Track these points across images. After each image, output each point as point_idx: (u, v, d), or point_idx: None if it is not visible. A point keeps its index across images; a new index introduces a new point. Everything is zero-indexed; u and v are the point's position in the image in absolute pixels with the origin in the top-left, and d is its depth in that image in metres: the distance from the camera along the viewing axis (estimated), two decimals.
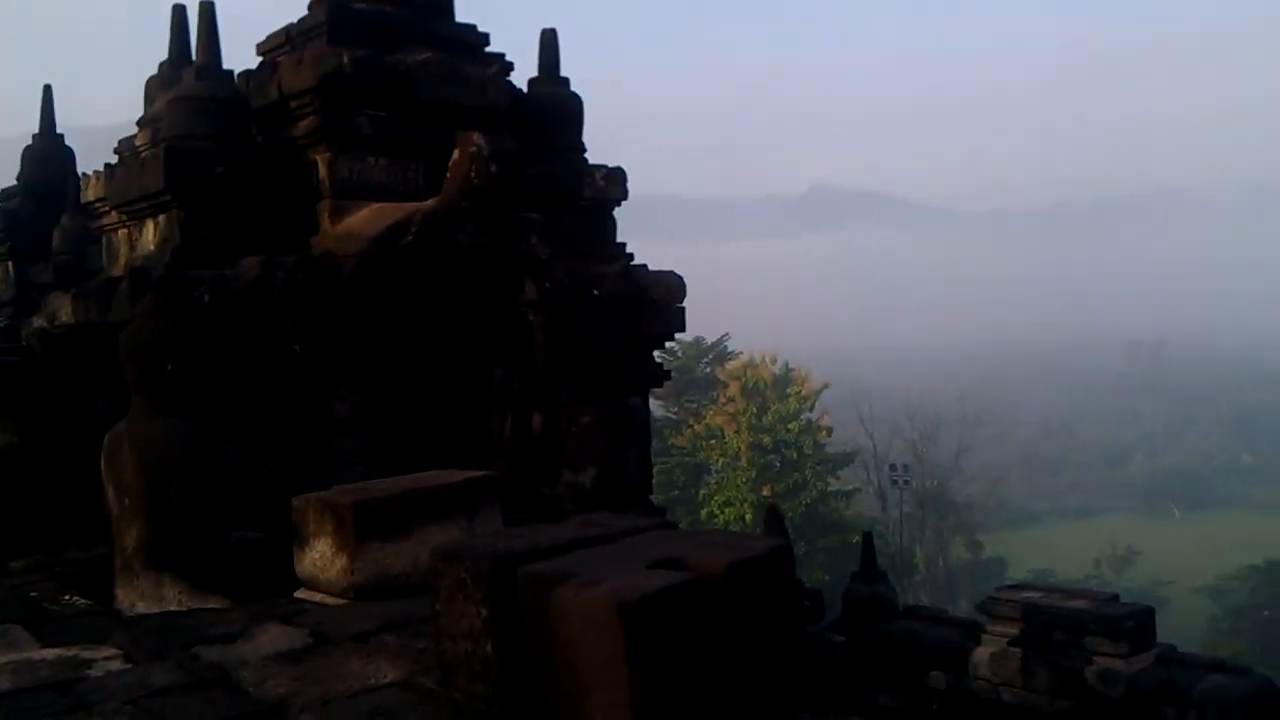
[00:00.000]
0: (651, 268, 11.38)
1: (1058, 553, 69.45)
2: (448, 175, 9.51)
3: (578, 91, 11.57)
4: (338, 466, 8.51)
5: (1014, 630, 10.90)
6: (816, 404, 54.02)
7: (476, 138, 9.45)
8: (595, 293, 10.29)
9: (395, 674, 4.63)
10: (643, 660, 3.22)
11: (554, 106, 11.31)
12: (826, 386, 55.10)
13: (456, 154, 9.52)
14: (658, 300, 11.05)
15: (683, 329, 11.46)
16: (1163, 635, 11.54)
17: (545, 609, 3.49)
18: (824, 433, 53.10)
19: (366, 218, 9.60)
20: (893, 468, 57.72)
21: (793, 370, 55.03)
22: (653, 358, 11.44)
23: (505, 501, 6.84)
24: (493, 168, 9.39)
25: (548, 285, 9.85)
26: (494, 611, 3.87)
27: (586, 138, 11.70)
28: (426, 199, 9.75)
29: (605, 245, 11.22)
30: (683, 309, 11.39)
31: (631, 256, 11.37)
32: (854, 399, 62.56)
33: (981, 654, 11.05)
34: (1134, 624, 10.34)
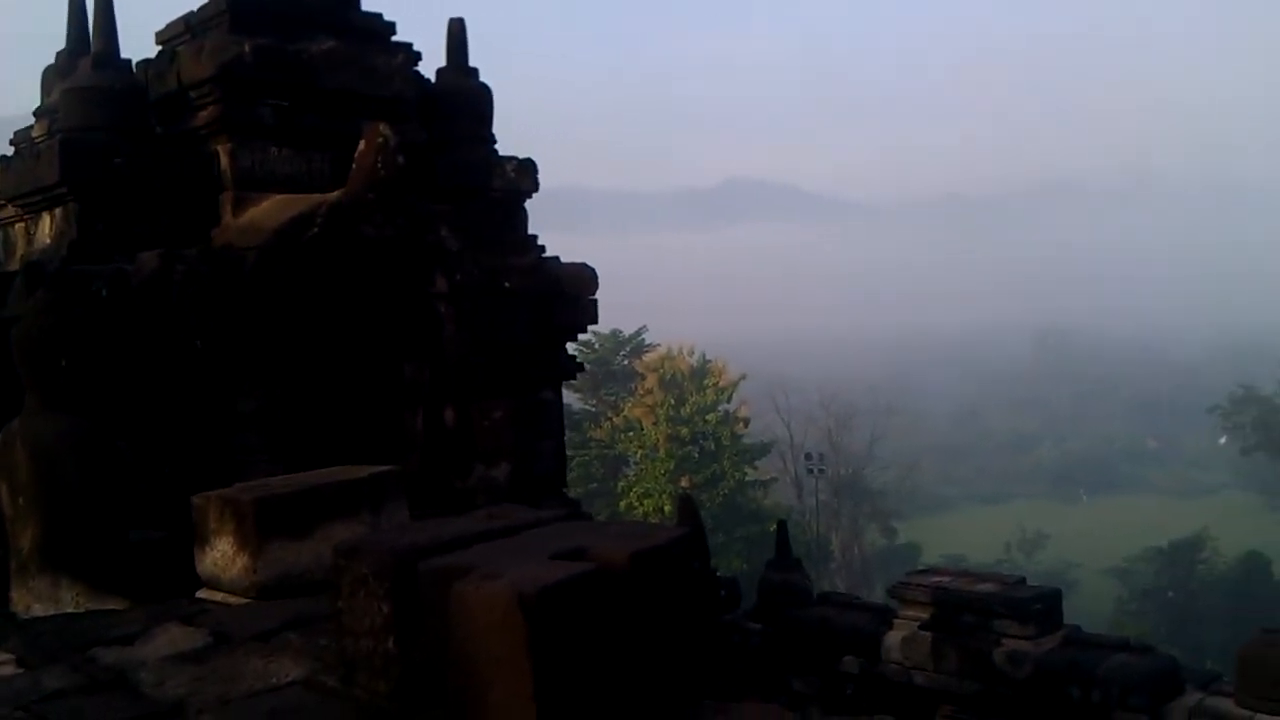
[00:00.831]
0: (564, 260, 11.33)
1: (969, 538, 70.89)
2: (354, 166, 9.36)
3: (486, 82, 11.47)
4: (243, 464, 8.33)
5: (925, 614, 11.04)
6: (734, 395, 54.42)
7: (383, 128, 9.31)
8: (506, 285, 10.22)
9: (297, 672, 4.55)
10: (544, 652, 3.20)
11: (463, 97, 11.19)
12: (744, 378, 55.53)
13: (362, 144, 9.37)
14: (570, 292, 11.00)
15: (595, 321, 11.42)
16: (1071, 616, 11.79)
17: (446, 603, 3.44)
18: (741, 423, 53.53)
19: (270, 210, 9.42)
20: (808, 457, 58.44)
21: (710, 362, 55.35)
22: (565, 350, 11.40)
23: (418, 497, 6.76)
24: (400, 158, 9.27)
25: (458, 277, 9.75)
26: (395, 607, 3.82)
27: (496, 129, 11.61)
28: (332, 190, 9.59)
29: (516, 237, 11.13)
30: (595, 301, 11.35)
31: (543, 249, 11.30)
32: (770, 390, 63.26)
33: (893, 638, 11.18)
34: (1041, 606, 10.53)
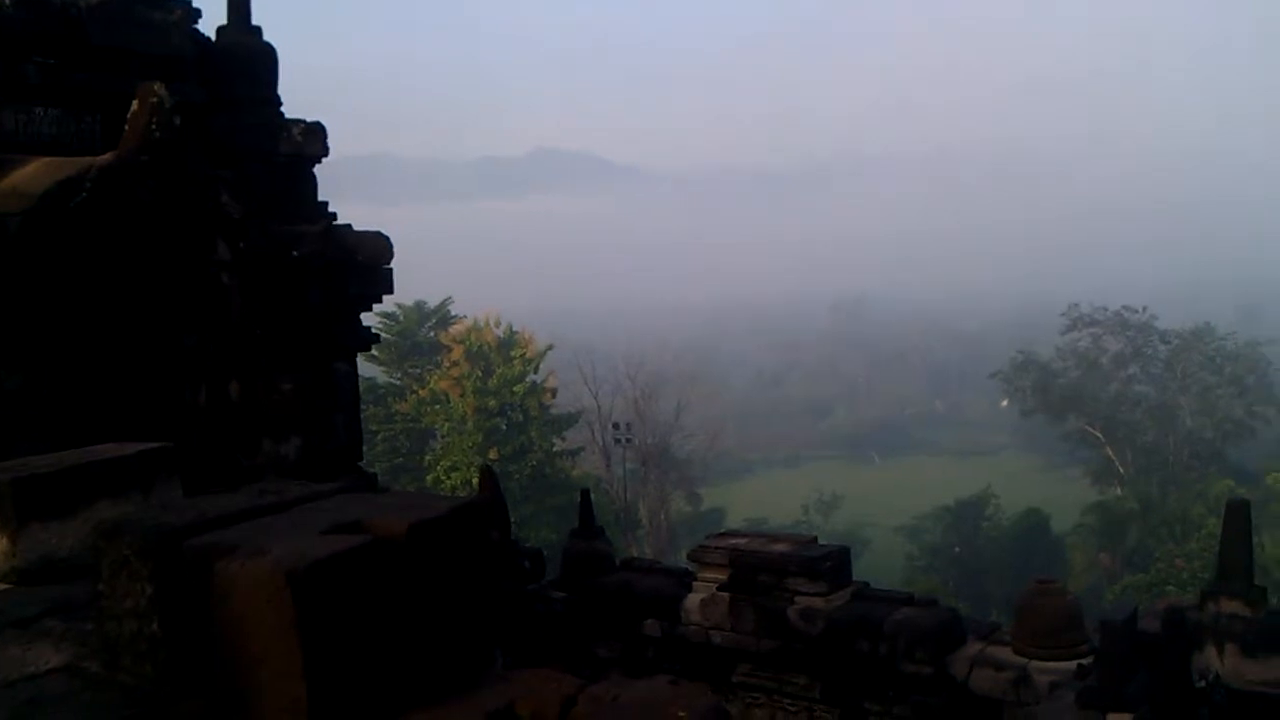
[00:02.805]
0: (364, 229, 11.00)
1: (770, 501, 73.15)
2: (127, 127, 8.86)
3: (270, 42, 11.02)
4: (8, 443, 7.82)
5: (722, 576, 11.31)
6: (541, 366, 54.36)
7: (158, 87, 8.84)
8: (295, 253, 9.88)
9: (58, 660, 4.30)
10: (315, 629, 3.09)
11: (245, 56, 10.72)
12: (550, 348, 55.53)
13: (136, 105, 8.89)
14: (364, 261, 10.72)
15: (391, 291, 11.17)
16: (866, 573, 12.26)
17: (211, 582, 3.30)
18: (549, 394, 53.52)
19: (35, 173, 8.81)
20: (616, 426, 58.96)
21: (517, 333, 55.08)
22: (360, 321, 11.11)
23: (201, 475, 6.47)
24: (176, 120, 8.82)
25: (242, 245, 9.37)
26: (159, 588, 3.64)
27: (289, 93, 11.17)
28: (104, 153, 9.06)
29: (305, 204, 10.75)
30: (391, 270, 11.09)
31: (334, 216, 10.95)
32: (578, 360, 63.39)
33: (693, 600, 11.41)
34: (831, 564, 10.92)
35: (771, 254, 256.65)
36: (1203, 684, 8.50)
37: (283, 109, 10.98)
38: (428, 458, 51.31)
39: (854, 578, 11.30)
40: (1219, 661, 8.71)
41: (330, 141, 11.27)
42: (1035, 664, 9.52)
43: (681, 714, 2.83)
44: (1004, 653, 9.88)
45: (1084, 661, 8.94)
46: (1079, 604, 10.15)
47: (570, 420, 54.95)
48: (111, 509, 5.35)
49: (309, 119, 11.18)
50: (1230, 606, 8.78)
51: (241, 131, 10.37)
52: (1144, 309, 66.87)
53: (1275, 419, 63.25)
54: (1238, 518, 9.02)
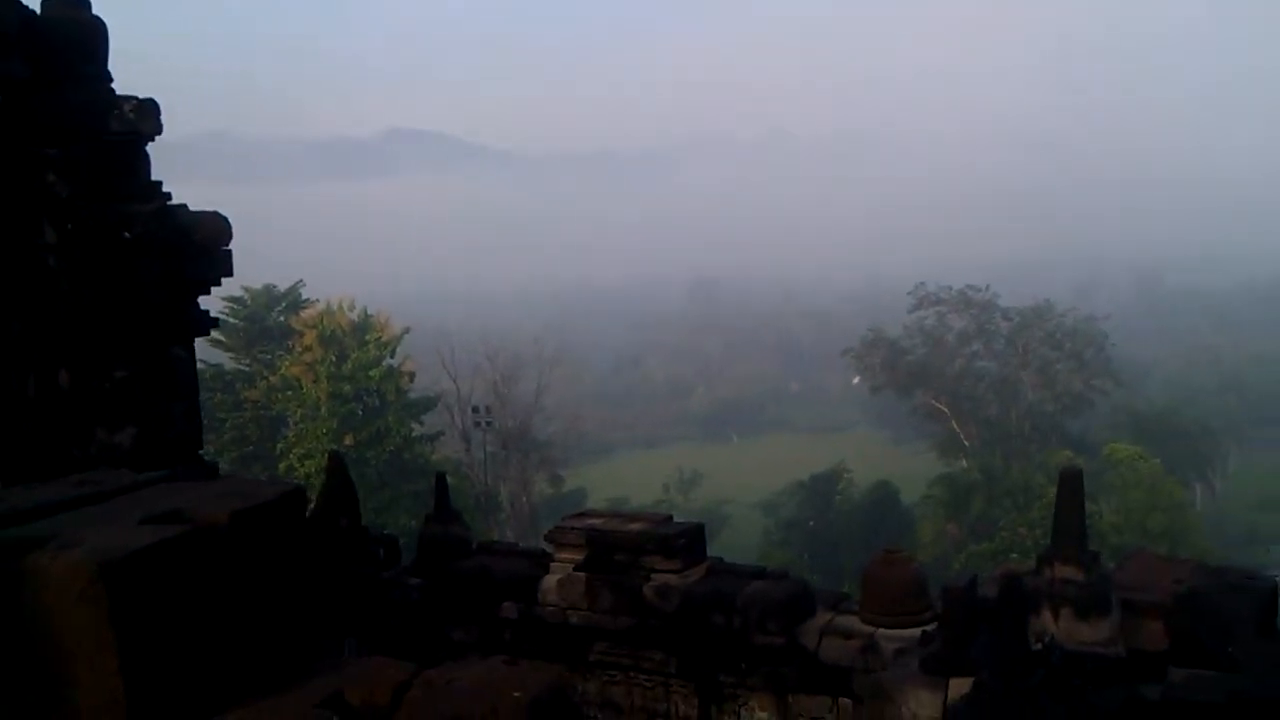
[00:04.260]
0: (201, 209, 10.60)
1: (632, 481, 73.78)
2: None
3: (100, 15, 10.52)
4: None
5: (579, 556, 11.32)
6: (398, 349, 53.47)
7: None
8: (127, 235, 9.47)
9: None
10: (131, 622, 2.97)
11: (73, 30, 10.21)
12: (407, 331, 54.62)
13: None
14: (201, 242, 10.33)
15: (230, 273, 10.79)
16: (725, 549, 12.39)
17: (21, 576, 3.13)
18: (406, 378, 52.70)
19: None
20: (475, 410, 58.43)
21: (372, 316, 54.04)
22: (198, 304, 10.72)
23: (30, 468, 6.16)
24: None
25: (70, 227, 8.95)
26: None
27: (126, 70, 10.67)
28: None
29: (138, 183, 10.29)
30: (230, 252, 10.72)
31: (169, 196, 10.52)
32: (435, 343, 62.63)
33: (550, 581, 11.39)
34: (685, 541, 11.03)
35: (625, 235, 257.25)
36: (1039, 646, 8.81)
37: (114, 85, 10.49)
38: (280, 445, 50.07)
39: (714, 554, 11.44)
40: (1054, 624, 9.04)
41: (166, 119, 10.82)
42: (882, 632, 9.78)
43: (517, 694, 2.81)
44: (852, 622, 10.12)
45: (928, 628, 9.19)
46: (923, 572, 10.46)
47: (429, 404, 54.28)
48: None
49: (136, 94, 10.70)
50: (1064, 571, 9.11)
51: (69, 109, 9.87)
52: (987, 287, 69.22)
53: (1113, 391, 66.34)
54: (1071, 485, 9.35)
